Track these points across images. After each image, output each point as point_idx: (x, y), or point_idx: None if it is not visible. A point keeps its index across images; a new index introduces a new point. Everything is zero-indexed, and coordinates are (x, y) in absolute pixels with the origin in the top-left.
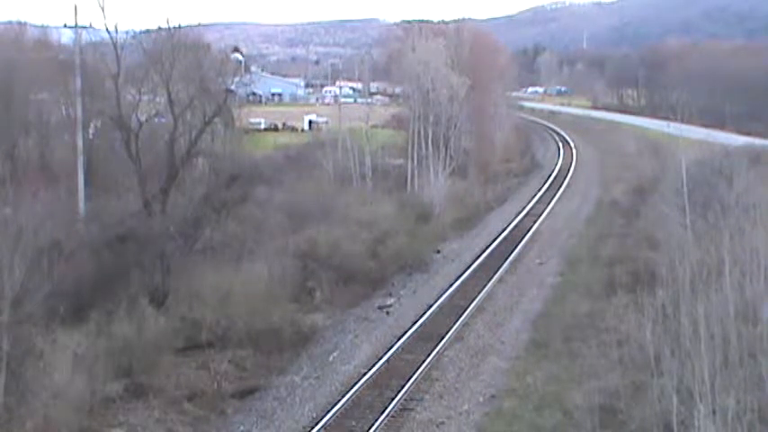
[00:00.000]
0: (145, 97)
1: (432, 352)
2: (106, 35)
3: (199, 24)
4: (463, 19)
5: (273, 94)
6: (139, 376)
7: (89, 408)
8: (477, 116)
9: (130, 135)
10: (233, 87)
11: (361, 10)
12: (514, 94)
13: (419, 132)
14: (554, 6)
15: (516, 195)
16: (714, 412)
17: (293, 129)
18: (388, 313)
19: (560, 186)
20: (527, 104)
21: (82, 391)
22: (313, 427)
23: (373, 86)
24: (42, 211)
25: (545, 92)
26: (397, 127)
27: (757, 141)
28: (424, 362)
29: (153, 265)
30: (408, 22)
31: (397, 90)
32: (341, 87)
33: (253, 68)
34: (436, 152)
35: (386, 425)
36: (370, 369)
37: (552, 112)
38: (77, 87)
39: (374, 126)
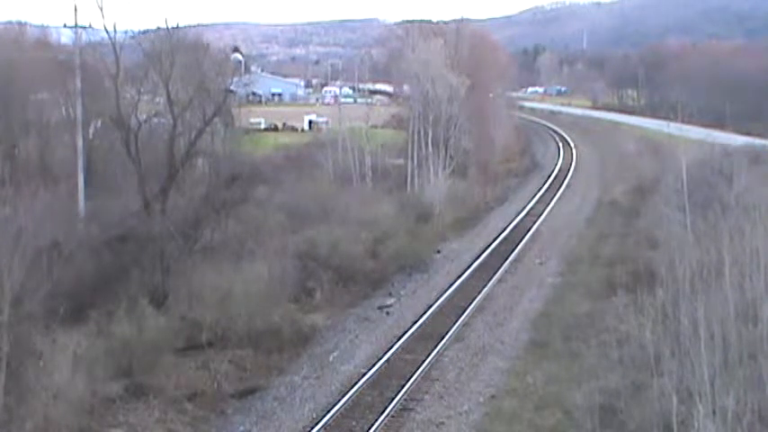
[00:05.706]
0: (144, 97)
1: (432, 352)
2: (106, 35)
3: (198, 24)
4: (462, 19)
5: (273, 94)
6: (139, 376)
7: (89, 408)
8: (477, 116)
9: (130, 135)
10: (233, 87)
11: (361, 10)
12: (514, 94)
13: (419, 132)
14: (554, 6)
15: (516, 195)
16: (714, 412)
17: (293, 129)
18: (388, 313)
19: (560, 186)
20: (527, 104)
21: (82, 391)
22: (313, 427)
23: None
24: (42, 211)
25: (545, 92)
26: (397, 127)
27: (757, 141)
28: (424, 362)
29: (153, 265)
30: (408, 22)
31: (396, 90)
32: (340, 87)
33: (253, 68)
34: (436, 152)
35: (386, 425)
36: (370, 369)
37: (552, 112)
38: (77, 87)
39: (374, 126)
